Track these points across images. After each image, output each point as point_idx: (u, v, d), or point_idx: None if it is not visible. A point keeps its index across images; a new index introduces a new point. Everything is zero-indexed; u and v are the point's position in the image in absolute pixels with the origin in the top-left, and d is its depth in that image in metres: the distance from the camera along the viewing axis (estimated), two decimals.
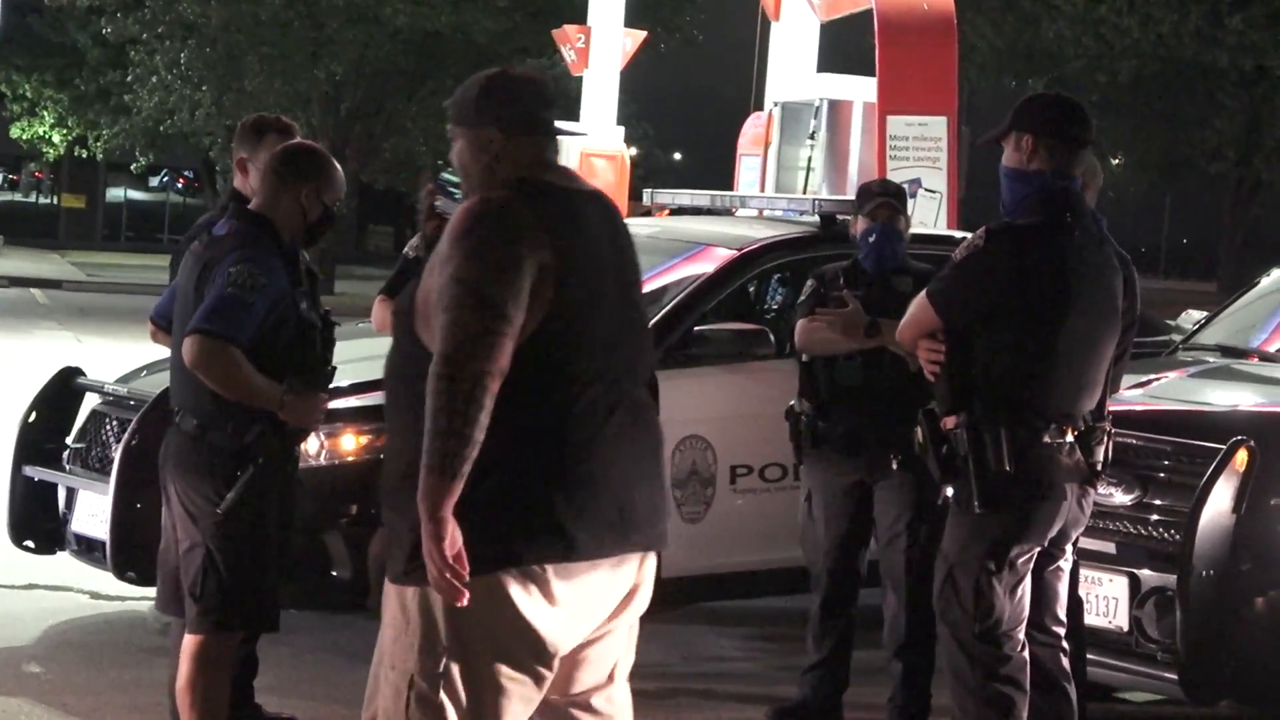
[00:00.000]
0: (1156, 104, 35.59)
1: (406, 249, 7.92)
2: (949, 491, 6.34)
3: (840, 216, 9.09)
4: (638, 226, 10.46)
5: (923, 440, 6.29)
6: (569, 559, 4.51)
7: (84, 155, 51.13)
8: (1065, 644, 6.47)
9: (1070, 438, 6.20)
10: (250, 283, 6.16)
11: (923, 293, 6.34)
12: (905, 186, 14.44)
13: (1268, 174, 34.83)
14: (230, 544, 6.24)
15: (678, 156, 72.15)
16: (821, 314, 7.61)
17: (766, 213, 10.39)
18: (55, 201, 64.99)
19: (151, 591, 8.02)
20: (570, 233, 4.60)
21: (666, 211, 11.15)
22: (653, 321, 8.76)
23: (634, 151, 61.56)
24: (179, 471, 6.36)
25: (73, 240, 59.31)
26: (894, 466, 7.50)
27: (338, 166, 6.59)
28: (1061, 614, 6.47)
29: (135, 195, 63.77)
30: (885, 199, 7.84)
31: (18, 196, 66.85)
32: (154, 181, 63.31)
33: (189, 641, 6.33)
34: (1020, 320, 6.10)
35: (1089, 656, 7.04)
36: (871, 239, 7.74)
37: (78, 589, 9.50)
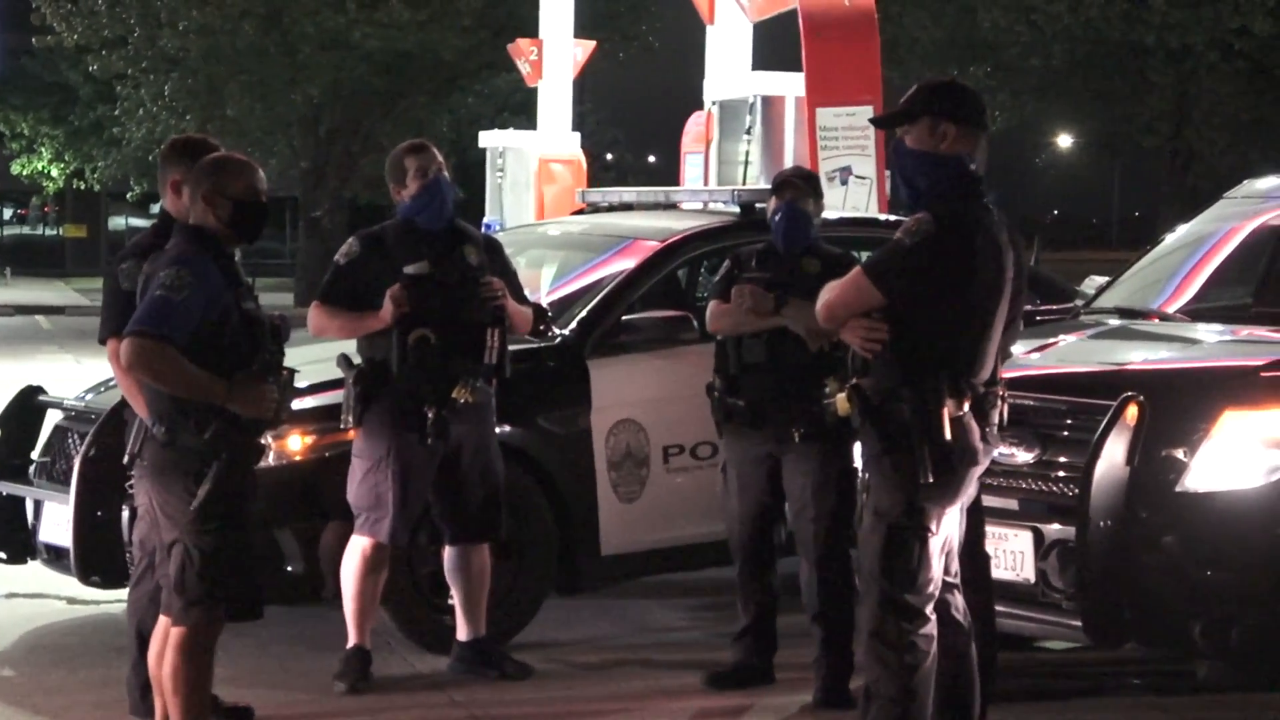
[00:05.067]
0: (1091, 84, 35.58)
1: (338, 256, 7.93)
2: (859, 461, 6.30)
3: (758, 205, 9.08)
4: (571, 224, 10.51)
5: (859, 415, 6.19)
6: None
7: (82, 187, 51.04)
8: (958, 584, 6.44)
9: (968, 405, 6.18)
10: (178, 283, 6.15)
11: (857, 273, 6.14)
12: (837, 175, 14.66)
13: (1198, 145, 34.84)
14: (206, 537, 6.21)
15: (652, 159, 72.04)
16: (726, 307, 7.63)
17: (690, 205, 10.38)
18: (59, 233, 64.86)
19: (123, 594, 8.03)
20: None
21: None
22: (584, 312, 8.83)
23: (609, 156, 61.51)
24: (154, 476, 6.33)
25: (78, 268, 59.14)
26: (797, 439, 7.50)
27: (236, 161, 6.46)
28: (954, 559, 6.44)
29: (136, 222, 63.51)
30: (791, 180, 7.83)
31: (25, 230, 66.64)
32: (154, 209, 63.13)
33: (175, 634, 6.31)
34: (960, 300, 6.05)
35: (1000, 609, 7.03)
36: (778, 218, 7.72)
37: (55, 595, 9.45)
